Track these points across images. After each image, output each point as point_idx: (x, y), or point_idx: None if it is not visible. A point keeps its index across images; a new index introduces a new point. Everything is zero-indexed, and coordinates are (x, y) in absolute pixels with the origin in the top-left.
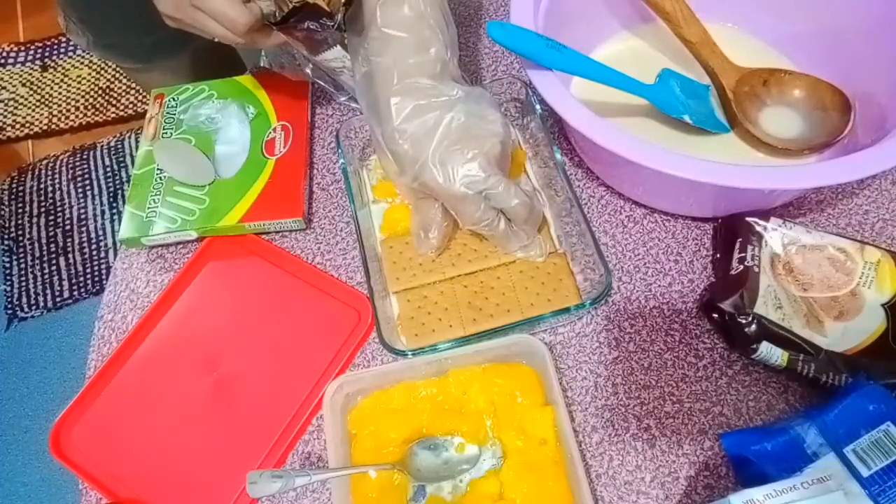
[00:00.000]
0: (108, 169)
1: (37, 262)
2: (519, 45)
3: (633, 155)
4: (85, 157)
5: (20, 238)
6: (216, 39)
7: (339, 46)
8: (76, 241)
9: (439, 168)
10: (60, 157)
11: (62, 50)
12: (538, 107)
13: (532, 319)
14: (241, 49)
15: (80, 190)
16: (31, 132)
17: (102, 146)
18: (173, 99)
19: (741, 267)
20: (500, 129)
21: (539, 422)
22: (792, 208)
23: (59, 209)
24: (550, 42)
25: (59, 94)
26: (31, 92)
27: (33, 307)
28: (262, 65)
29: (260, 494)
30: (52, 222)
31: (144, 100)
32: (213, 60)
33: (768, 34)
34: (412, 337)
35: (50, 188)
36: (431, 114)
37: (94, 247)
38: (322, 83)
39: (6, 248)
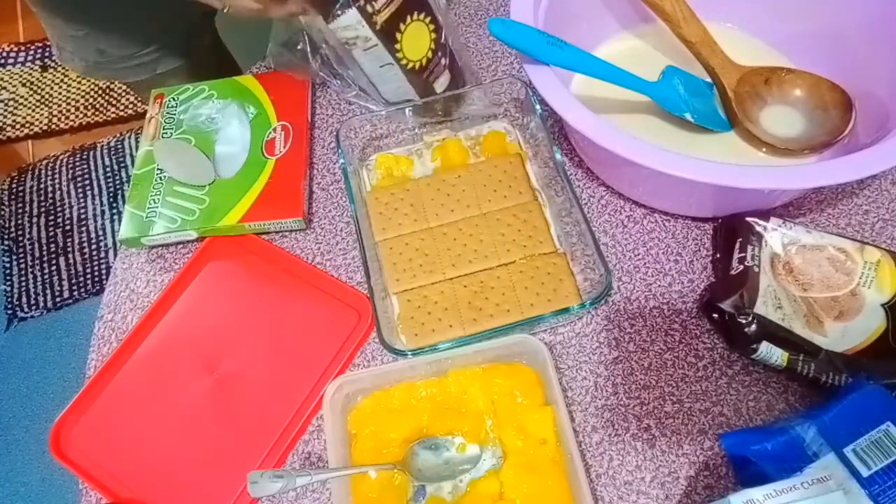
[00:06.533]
0: (108, 169)
1: (37, 262)
2: (520, 42)
3: (633, 155)
4: (85, 157)
5: (20, 238)
6: (226, 10)
7: (354, 9)
8: (76, 241)
9: None
10: (60, 157)
11: None
12: (538, 107)
13: (532, 319)
14: (242, 49)
15: (80, 190)
16: (31, 132)
17: (102, 146)
18: (173, 99)
19: (741, 267)
20: None
21: (539, 422)
22: (792, 208)
23: (59, 209)
24: (552, 38)
25: (59, 94)
26: (31, 92)
27: (33, 307)
28: (265, 61)
29: (261, 494)
30: (52, 222)
31: (144, 100)
32: (214, 67)
33: (768, 34)
34: (412, 337)
35: (50, 188)
36: None
37: (94, 247)
38: (328, 78)
39: (6, 248)
